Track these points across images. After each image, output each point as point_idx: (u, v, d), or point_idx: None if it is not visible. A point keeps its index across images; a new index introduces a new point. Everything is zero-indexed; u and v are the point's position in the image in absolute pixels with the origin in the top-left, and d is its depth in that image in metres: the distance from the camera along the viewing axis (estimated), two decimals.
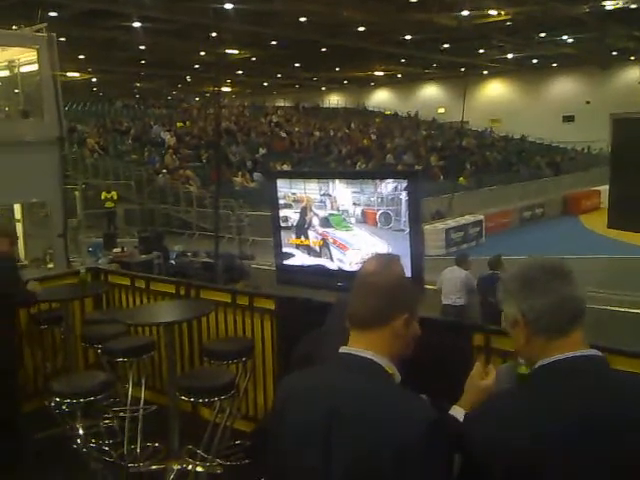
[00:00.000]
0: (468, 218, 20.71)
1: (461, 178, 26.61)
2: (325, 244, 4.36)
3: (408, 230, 4.04)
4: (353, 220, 4.19)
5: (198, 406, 4.70)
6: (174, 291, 5.34)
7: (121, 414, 4.66)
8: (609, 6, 24.40)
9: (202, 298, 5.10)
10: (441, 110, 45.17)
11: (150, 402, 4.75)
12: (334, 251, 4.35)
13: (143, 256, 11.86)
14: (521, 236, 20.50)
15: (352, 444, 1.49)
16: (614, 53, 35.88)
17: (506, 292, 1.56)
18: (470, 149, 33.90)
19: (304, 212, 4.45)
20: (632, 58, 38.15)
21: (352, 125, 37.27)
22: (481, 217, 21.18)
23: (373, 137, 34.61)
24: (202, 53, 30.53)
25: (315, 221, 4.39)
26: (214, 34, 25.08)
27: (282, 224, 4.69)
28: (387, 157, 29.37)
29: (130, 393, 4.59)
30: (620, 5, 24.38)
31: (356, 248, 4.22)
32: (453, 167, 26.90)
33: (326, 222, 4.32)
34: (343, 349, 1.68)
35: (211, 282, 8.81)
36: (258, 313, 4.77)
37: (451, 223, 19.87)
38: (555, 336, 1.48)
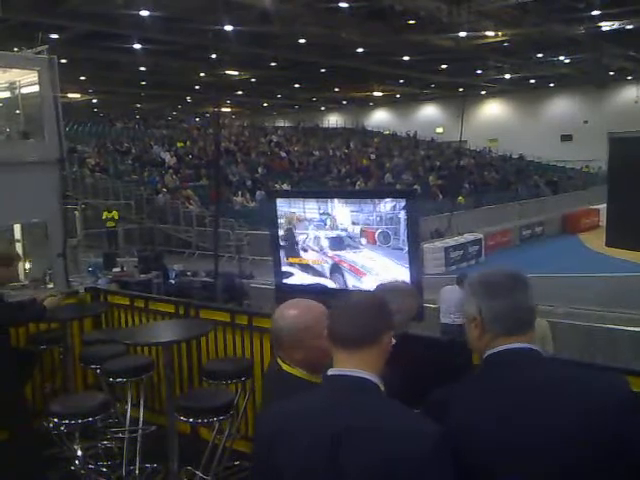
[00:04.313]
0: (467, 237, 20.74)
1: (460, 197, 26.70)
2: (338, 269, 4.30)
3: (407, 248, 4.06)
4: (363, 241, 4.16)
5: (197, 427, 4.66)
6: (173, 311, 5.32)
7: (120, 435, 4.62)
8: (605, 27, 24.66)
9: (201, 318, 5.08)
10: (439, 130, 45.46)
11: (149, 423, 4.71)
12: (348, 277, 4.31)
13: (142, 276, 11.85)
14: (521, 254, 20.51)
15: (363, 461, 1.49)
16: (611, 73, 36.16)
17: (470, 292, 1.72)
18: (469, 168, 34.06)
19: (291, 231, 4.49)
20: (629, 78, 38.48)
21: (351, 145, 37.47)
22: (480, 236, 21.21)
23: (372, 157, 34.76)
24: (202, 74, 30.77)
25: (324, 243, 4.36)
26: (214, 55, 25.37)
27: (282, 243, 4.71)
28: (386, 177, 29.49)
29: (129, 414, 4.57)
30: (616, 26, 24.65)
31: (374, 274, 4.17)
32: (452, 186, 27.02)
33: (338, 243, 4.27)
34: (332, 371, 1.68)
35: (211, 301, 8.79)
36: (257, 332, 4.75)
37: (450, 242, 19.90)
38: (503, 335, 1.65)
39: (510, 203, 27.85)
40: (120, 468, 4.34)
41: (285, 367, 2.14)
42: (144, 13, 19.99)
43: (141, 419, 4.59)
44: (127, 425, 4.51)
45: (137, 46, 24.95)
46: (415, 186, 26.41)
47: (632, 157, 3.16)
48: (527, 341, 1.66)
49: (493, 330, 1.66)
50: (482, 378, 1.68)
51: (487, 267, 1.80)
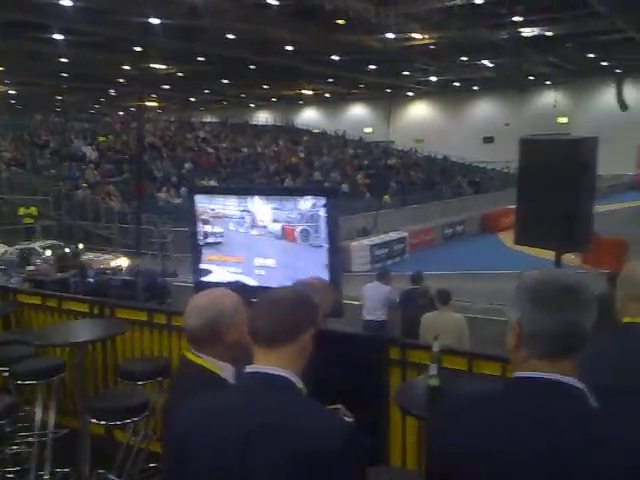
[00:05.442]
0: (392, 235, 21.07)
1: (386, 196, 27.09)
2: None
3: (327, 246, 4.07)
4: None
5: (112, 428, 4.53)
6: (88, 310, 5.16)
7: (29, 439, 4.44)
8: (526, 33, 25.62)
9: (117, 317, 4.95)
10: (368, 129, 46.04)
11: (62, 426, 4.55)
12: None
13: (59, 274, 11.43)
14: (443, 252, 21.01)
15: (271, 459, 1.48)
16: (531, 77, 37.57)
17: (516, 295, 1.45)
18: (395, 168, 34.63)
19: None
20: (547, 83, 40.13)
21: (280, 142, 37.39)
22: (405, 234, 21.58)
23: (301, 155, 34.81)
24: (127, 67, 30.00)
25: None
26: (139, 48, 24.76)
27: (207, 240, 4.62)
28: (315, 175, 29.60)
29: (40, 417, 4.39)
30: (536, 32, 25.66)
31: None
32: (379, 185, 27.41)
33: None
34: (250, 368, 1.65)
35: (131, 300, 8.58)
36: (176, 332, 4.66)
37: (376, 240, 20.15)
38: (540, 357, 1.40)
39: (434, 202, 28.48)
40: (29, 474, 4.17)
41: (193, 358, 2.07)
42: (66, 3, 19.29)
43: (52, 422, 4.42)
44: (36, 429, 4.34)
45: (58, 37, 24.05)
46: (343, 184, 26.73)
47: (538, 159, 3.29)
48: (569, 370, 1.38)
49: (530, 348, 1.40)
50: (503, 399, 1.43)
51: (542, 268, 1.52)
